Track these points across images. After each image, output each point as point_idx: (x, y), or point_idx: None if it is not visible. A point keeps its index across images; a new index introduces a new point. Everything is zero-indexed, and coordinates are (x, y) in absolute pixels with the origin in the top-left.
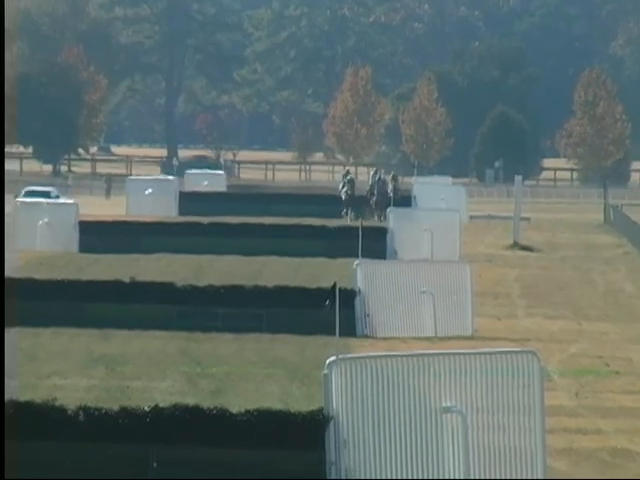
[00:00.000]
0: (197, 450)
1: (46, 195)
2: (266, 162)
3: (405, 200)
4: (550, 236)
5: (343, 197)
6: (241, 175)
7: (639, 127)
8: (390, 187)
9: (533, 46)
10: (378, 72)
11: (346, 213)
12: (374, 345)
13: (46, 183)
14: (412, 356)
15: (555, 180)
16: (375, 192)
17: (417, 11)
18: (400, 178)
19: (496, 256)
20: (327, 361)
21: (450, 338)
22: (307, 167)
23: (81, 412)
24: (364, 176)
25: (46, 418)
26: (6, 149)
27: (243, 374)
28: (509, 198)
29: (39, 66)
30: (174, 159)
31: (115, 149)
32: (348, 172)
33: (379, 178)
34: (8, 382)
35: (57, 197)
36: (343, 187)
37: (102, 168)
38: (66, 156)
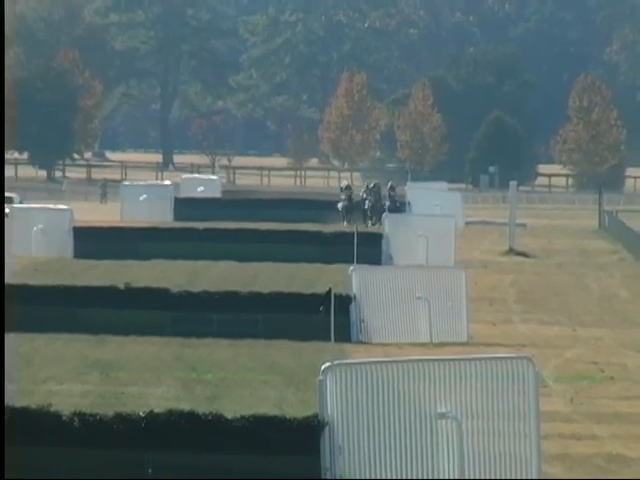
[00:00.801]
0: (192, 456)
1: (8, 201)
2: (261, 168)
3: (400, 206)
4: (545, 242)
5: (340, 207)
6: (236, 181)
7: (634, 133)
8: (385, 194)
9: (528, 52)
10: (373, 78)
11: (347, 221)
12: (369, 351)
13: (41, 188)
14: (407, 362)
15: (550, 186)
16: (369, 199)
17: (412, 17)
18: (395, 186)
19: (491, 262)
20: (322, 367)
21: (445, 344)
22: (302, 173)
23: (76, 418)
24: (358, 181)
25: (41, 424)
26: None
27: (238, 380)
28: (504, 204)
29: (34, 71)
30: None
31: (110, 155)
32: (346, 184)
33: (374, 185)
34: (6, 387)
35: (20, 202)
36: (343, 200)
37: (97, 174)
38: (61, 161)
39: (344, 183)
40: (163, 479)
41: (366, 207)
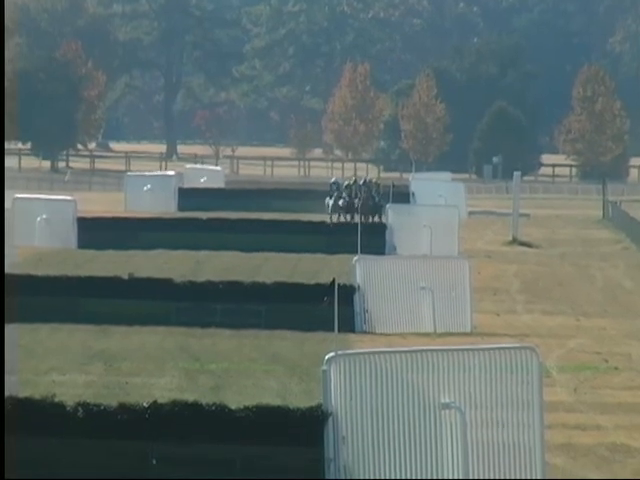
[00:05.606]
0: (196, 446)
1: None
2: (264, 158)
3: (404, 196)
4: (549, 232)
5: (340, 204)
6: (240, 171)
7: (638, 123)
8: (374, 191)
9: (531, 42)
10: (377, 68)
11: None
12: (373, 341)
13: (44, 179)
14: (411, 352)
15: (554, 176)
16: (360, 197)
17: (416, 7)
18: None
19: (495, 252)
20: (326, 357)
21: (449, 334)
22: (306, 163)
23: (80, 408)
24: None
25: (45, 414)
26: (5, 145)
27: (242, 370)
28: (508, 194)
29: (37, 62)
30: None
31: (114, 145)
32: (336, 181)
33: (364, 182)
34: (7, 378)
35: None
36: (339, 197)
37: (101, 164)
38: (64, 152)
39: (345, 181)
40: (167, 472)
41: (341, 204)
